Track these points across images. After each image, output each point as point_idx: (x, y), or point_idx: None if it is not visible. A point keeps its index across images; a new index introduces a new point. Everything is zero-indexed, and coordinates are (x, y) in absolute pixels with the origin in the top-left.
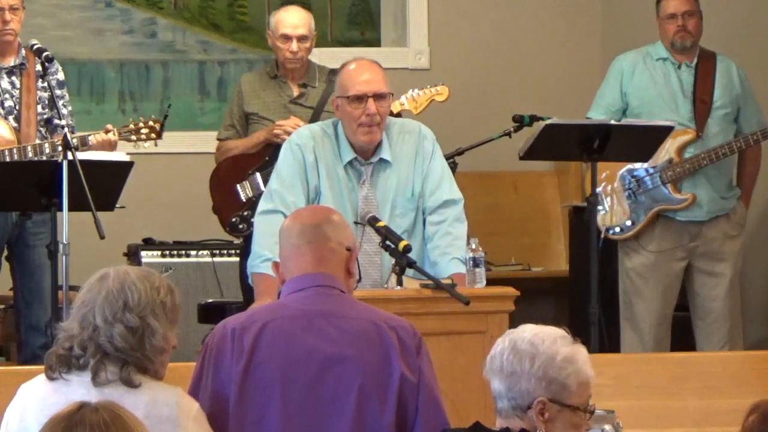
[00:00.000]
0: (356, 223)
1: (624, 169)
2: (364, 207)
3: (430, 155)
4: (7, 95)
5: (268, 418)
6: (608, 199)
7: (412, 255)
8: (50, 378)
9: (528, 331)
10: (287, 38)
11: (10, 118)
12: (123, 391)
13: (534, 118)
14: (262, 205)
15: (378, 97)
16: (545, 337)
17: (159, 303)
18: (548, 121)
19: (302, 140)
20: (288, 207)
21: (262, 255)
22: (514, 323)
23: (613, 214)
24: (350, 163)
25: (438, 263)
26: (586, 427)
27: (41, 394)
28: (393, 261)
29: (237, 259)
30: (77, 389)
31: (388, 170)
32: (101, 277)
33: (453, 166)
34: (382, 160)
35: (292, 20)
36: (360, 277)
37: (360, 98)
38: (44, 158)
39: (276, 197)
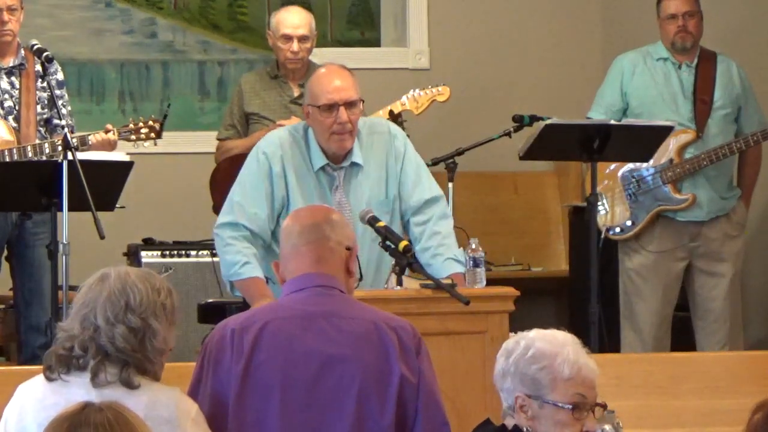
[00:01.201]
0: None
1: (625, 169)
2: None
3: (402, 155)
4: (6, 95)
5: (267, 418)
6: (609, 199)
7: None
8: (49, 378)
9: (524, 332)
10: (288, 38)
11: (10, 118)
12: (122, 392)
13: (534, 118)
14: (222, 218)
15: (349, 104)
16: (530, 336)
17: (160, 304)
18: (548, 121)
19: (269, 149)
20: (249, 218)
21: (238, 261)
22: (514, 323)
23: (613, 214)
24: (322, 168)
25: (431, 265)
26: (581, 427)
27: (40, 395)
28: (392, 261)
29: None
30: (76, 390)
31: (360, 174)
32: (102, 277)
33: (453, 166)
34: (353, 164)
35: (293, 20)
36: (361, 276)
37: (331, 107)
38: (44, 158)
39: (237, 209)
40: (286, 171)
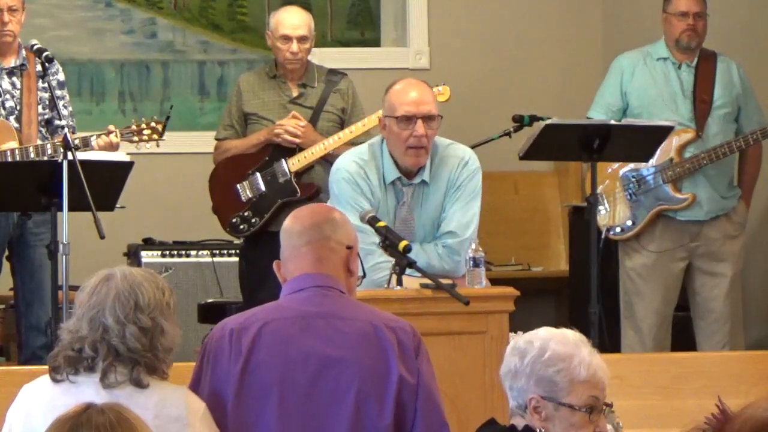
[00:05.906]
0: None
1: (625, 168)
2: (402, 228)
3: (462, 184)
4: (8, 96)
5: (265, 419)
6: (609, 199)
7: None
8: (55, 380)
9: (533, 331)
10: (287, 39)
11: (11, 118)
12: (132, 391)
13: (534, 118)
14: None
15: (427, 118)
16: (543, 336)
17: (165, 303)
18: (548, 121)
19: (351, 168)
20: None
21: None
22: (514, 323)
23: (613, 214)
24: (393, 183)
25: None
26: (594, 428)
27: (48, 396)
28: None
29: (237, 259)
30: (86, 390)
31: (426, 192)
32: (106, 277)
33: None
34: (423, 181)
35: (292, 21)
36: (364, 274)
37: (409, 119)
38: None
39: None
40: (369, 185)
